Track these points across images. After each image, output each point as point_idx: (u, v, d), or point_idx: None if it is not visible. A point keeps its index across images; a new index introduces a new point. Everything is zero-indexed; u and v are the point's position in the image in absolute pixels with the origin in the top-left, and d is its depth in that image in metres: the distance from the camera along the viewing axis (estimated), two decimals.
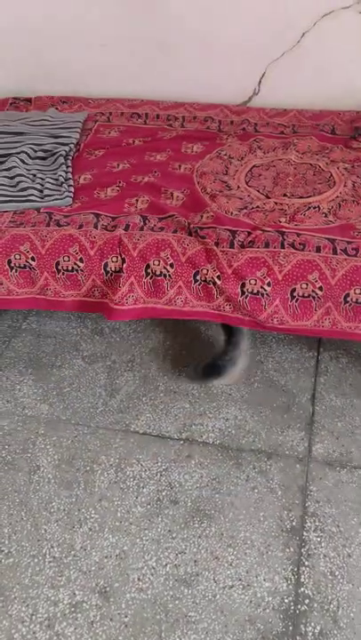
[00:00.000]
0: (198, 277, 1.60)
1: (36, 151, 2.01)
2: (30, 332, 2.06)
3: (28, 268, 1.68)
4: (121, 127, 2.21)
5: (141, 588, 1.38)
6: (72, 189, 1.83)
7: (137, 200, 1.78)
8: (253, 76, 2.31)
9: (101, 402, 1.81)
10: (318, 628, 1.31)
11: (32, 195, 1.80)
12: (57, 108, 2.33)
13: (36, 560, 1.44)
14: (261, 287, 1.56)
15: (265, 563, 1.42)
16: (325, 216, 1.70)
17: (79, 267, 1.65)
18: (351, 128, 2.14)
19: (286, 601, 1.35)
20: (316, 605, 1.34)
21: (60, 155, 1.97)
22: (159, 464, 1.64)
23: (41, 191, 1.82)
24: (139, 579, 1.40)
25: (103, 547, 1.46)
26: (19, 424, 1.76)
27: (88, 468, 1.63)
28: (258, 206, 1.75)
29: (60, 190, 1.81)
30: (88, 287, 1.68)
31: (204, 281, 1.60)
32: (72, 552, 1.45)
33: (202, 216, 1.70)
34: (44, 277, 1.68)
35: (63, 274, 1.66)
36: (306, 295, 1.56)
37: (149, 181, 1.88)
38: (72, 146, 2.04)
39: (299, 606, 1.34)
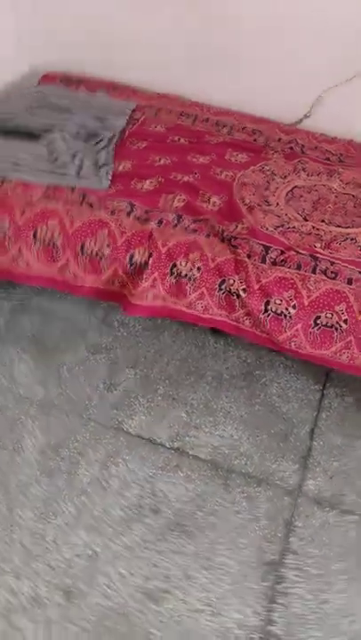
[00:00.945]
0: (224, 286, 1.55)
1: (79, 132, 1.97)
2: (39, 311, 2.00)
3: (51, 246, 1.63)
4: (168, 124, 2.17)
5: (107, 594, 1.32)
6: (110, 175, 1.79)
7: (174, 198, 1.74)
8: (308, 99, 2.28)
9: (98, 394, 1.75)
10: None
11: (69, 171, 1.75)
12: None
13: (3, 545, 1.37)
14: (286, 309, 1.51)
15: (238, 592, 1.36)
16: None
17: (104, 253, 1.60)
18: None
19: (254, 637, 1.29)
20: None
21: (104, 139, 1.93)
22: (146, 469, 1.58)
23: (78, 171, 1.78)
24: (106, 584, 1.33)
25: (75, 544, 1.40)
26: (10, 402, 1.70)
27: (73, 460, 1.57)
28: (294, 227, 1.71)
29: (97, 173, 1.77)
30: (109, 275, 1.63)
31: (229, 291, 1.55)
32: (43, 544, 1.39)
33: (237, 226, 1.66)
34: (66, 258, 1.63)
35: (86, 257, 1.62)
36: (329, 325, 1.51)
37: (189, 181, 1.84)
38: (117, 132, 2.00)
39: None
